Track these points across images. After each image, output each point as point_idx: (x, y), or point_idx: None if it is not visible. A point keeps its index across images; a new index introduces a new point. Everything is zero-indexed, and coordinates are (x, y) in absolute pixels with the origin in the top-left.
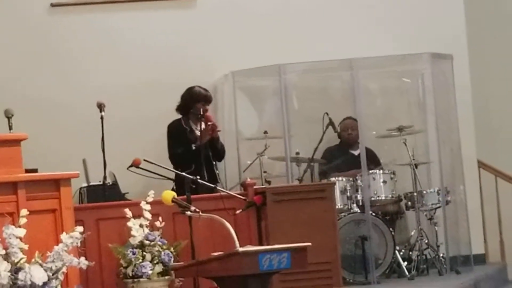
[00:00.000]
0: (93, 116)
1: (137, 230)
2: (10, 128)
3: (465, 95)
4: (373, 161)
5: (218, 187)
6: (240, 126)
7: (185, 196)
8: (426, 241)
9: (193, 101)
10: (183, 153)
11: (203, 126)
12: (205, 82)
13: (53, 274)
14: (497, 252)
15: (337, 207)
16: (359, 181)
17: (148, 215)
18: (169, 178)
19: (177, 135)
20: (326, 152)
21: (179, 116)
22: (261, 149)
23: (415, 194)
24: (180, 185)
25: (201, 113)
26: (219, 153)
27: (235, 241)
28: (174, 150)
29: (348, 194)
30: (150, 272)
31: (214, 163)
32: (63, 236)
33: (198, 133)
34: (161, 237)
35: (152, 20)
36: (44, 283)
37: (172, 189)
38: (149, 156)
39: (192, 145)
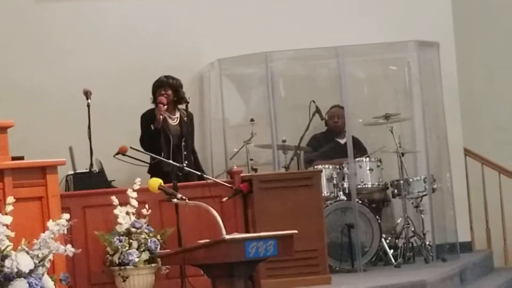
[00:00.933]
0: (79, 103)
1: (124, 217)
2: None
3: (451, 83)
4: (359, 149)
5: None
6: (226, 113)
7: (171, 184)
8: (413, 229)
9: (154, 90)
10: (144, 138)
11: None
12: (191, 70)
13: (39, 262)
14: (484, 239)
15: (323, 195)
16: (345, 169)
17: (134, 202)
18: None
19: (146, 123)
20: (312, 139)
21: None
22: (247, 136)
23: (402, 182)
24: (155, 172)
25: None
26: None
27: (222, 229)
28: (141, 137)
29: (335, 182)
30: (136, 259)
31: (184, 153)
32: (50, 224)
33: (171, 122)
34: (147, 225)
35: (138, 7)
36: (31, 271)
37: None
38: (135, 144)
39: (151, 125)
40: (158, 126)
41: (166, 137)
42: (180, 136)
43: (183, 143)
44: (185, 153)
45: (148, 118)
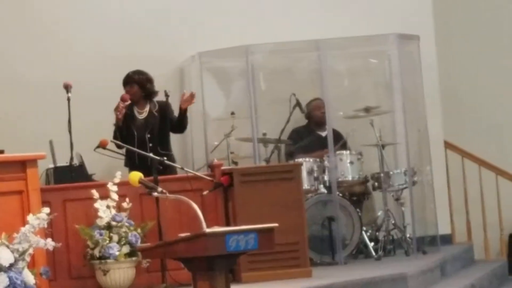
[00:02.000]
0: (59, 97)
1: (104, 211)
2: None
3: (431, 76)
4: (339, 141)
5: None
6: (207, 107)
7: (152, 177)
8: (393, 222)
9: (123, 86)
10: (117, 132)
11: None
12: (172, 63)
13: (19, 256)
14: (464, 232)
15: (304, 188)
16: (326, 162)
17: (115, 196)
18: (135, 160)
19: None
20: (293, 133)
21: None
22: (228, 130)
23: (382, 174)
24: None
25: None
26: (182, 125)
27: (202, 222)
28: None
29: (315, 175)
30: (117, 253)
31: (150, 145)
32: (30, 218)
33: (138, 116)
34: (128, 218)
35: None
36: (11, 265)
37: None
38: (116, 137)
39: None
40: (118, 123)
41: (130, 133)
42: (144, 130)
43: (147, 136)
44: (150, 145)
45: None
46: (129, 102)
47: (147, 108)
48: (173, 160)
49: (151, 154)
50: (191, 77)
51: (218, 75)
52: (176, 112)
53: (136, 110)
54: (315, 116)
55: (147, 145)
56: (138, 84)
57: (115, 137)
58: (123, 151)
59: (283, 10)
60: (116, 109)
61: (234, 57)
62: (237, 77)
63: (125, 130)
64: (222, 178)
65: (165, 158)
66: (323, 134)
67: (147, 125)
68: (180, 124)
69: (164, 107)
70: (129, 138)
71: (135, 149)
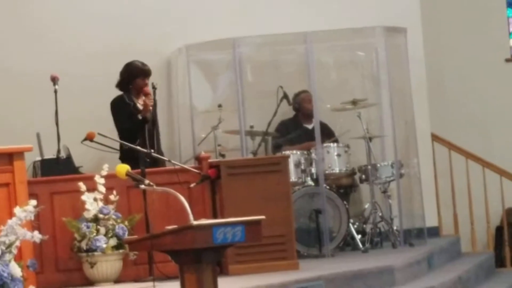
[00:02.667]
0: (47, 89)
1: (91, 203)
2: None
3: (419, 69)
4: (327, 134)
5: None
6: (194, 99)
7: (139, 170)
8: (380, 214)
9: (133, 77)
10: (131, 127)
11: (143, 100)
12: (159, 56)
13: (6, 248)
14: (451, 225)
15: (291, 180)
16: (313, 155)
17: (102, 188)
18: (119, 157)
19: (122, 111)
20: (280, 125)
21: (120, 93)
22: (215, 122)
23: (369, 167)
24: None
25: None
26: None
27: (189, 215)
28: (123, 125)
29: (302, 167)
30: (104, 245)
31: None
32: (17, 210)
33: (141, 107)
34: (115, 211)
35: None
36: None
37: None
38: (103, 130)
39: (138, 115)
40: (145, 115)
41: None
42: (151, 123)
43: (155, 130)
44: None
45: (123, 106)
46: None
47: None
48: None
49: (138, 147)
50: (178, 70)
51: (205, 67)
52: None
53: (137, 102)
54: (304, 108)
55: (154, 138)
56: (149, 77)
57: (132, 131)
58: (112, 144)
59: (270, 2)
60: (148, 102)
61: (221, 50)
62: (224, 69)
63: (145, 124)
64: (210, 171)
65: (152, 150)
66: (310, 126)
67: (153, 119)
68: None
69: (156, 104)
70: (143, 127)
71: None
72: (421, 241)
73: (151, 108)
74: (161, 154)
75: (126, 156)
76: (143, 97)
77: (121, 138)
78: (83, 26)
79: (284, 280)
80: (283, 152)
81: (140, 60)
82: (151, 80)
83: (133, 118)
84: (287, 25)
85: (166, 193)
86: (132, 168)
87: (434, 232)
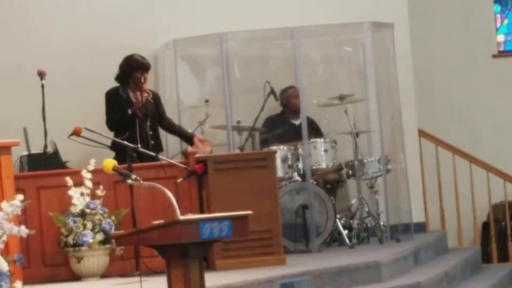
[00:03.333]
0: (33, 83)
1: (78, 198)
2: None
3: (406, 64)
4: (314, 130)
5: (159, 156)
6: (181, 94)
7: (126, 165)
8: (367, 210)
9: (132, 70)
10: (119, 119)
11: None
12: (146, 50)
13: None
14: (437, 220)
15: (278, 175)
16: (300, 150)
17: (89, 183)
18: (109, 147)
19: (114, 102)
20: (267, 121)
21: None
22: (202, 117)
23: (356, 162)
24: (120, 153)
25: (142, 81)
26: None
27: (176, 210)
28: (110, 116)
29: (289, 162)
30: (91, 240)
31: (150, 133)
32: (4, 205)
33: (135, 100)
34: (102, 206)
35: None
36: None
37: (114, 158)
38: (90, 124)
39: (128, 110)
40: (134, 111)
41: (132, 115)
42: (145, 117)
43: (148, 123)
44: (151, 133)
45: (115, 97)
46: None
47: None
48: (162, 149)
49: (125, 142)
50: (166, 65)
51: (193, 62)
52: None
53: (132, 96)
54: (291, 104)
55: (148, 132)
56: (148, 71)
57: (117, 124)
58: (99, 138)
59: None
60: (140, 98)
61: (208, 45)
62: (211, 64)
63: (135, 119)
64: (196, 166)
65: (139, 146)
66: (297, 122)
67: (147, 112)
68: (175, 134)
69: (158, 97)
70: (131, 122)
71: (111, 137)
72: (408, 236)
73: (141, 104)
74: (160, 149)
75: (115, 147)
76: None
77: (109, 128)
78: (70, 21)
79: (270, 275)
80: (270, 148)
81: (140, 54)
82: None
83: (122, 111)
84: (274, 20)
85: (153, 188)
86: (122, 161)
87: (420, 227)
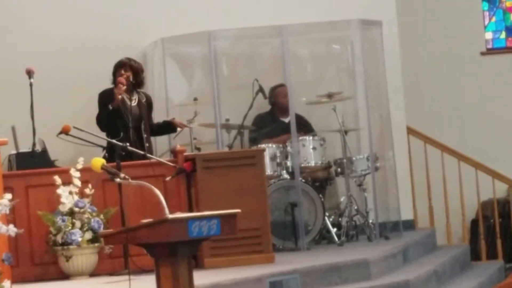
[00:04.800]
0: (22, 82)
1: (67, 197)
2: None
3: (394, 62)
4: (304, 126)
5: (148, 154)
6: (170, 92)
7: (115, 163)
8: (356, 207)
9: (115, 70)
10: (102, 115)
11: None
12: (135, 49)
13: None
14: (426, 218)
15: (266, 173)
16: (289, 148)
17: (77, 182)
18: (99, 145)
19: (104, 102)
20: (256, 118)
21: None
22: (191, 116)
23: (345, 160)
24: (112, 152)
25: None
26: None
27: (165, 208)
28: (97, 115)
29: (278, 160)
30: (79, 239)
31: (145, 135)
32: None
33: (129, 102)
34: (90, 204)
35: None
36: None
37: (104, 157)
38: (79, 122)
39: (109, 105)
40: (115, 106)
41: (125, 118)
42: (139, 118)
43: (142, 126)
44: (145, 135)
45: (106, 97)
46: (125, 86)
47: (136, 97)
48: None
49: (114, 141)
50: (154, 63)
51: (181, 60)
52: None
53: (125, 97)
54: (279, 103)
55: (142, 134)
56: (132, 70)
57: (100, 119)
58: (87, 137)
59: None
60: (117, 90)
61: (197, 43)
62: (200, 62)
63: (116, 115)
64: (185, 164)
65: (127, 144)
66: (286, 120)
67: (141, 114)
68: (159, 132)
69: (151, 100)
70: (122, 123)
71: (100, 136)
72: (397, 234)
73: (118, 97)
74: (150, 151)
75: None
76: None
77: (99, 128)
78: (58, 19)
79: (259, 273)
80: (259, 146)
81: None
82: None
83: (106, 108)
84: (263, 18)
85: (141, 187)
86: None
87: (409, 225)
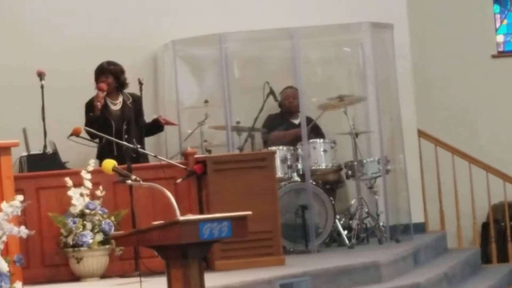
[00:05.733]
0: (33, 84)
1: (78, 199)
2: None
3: (405, 64)
4: (316, 133)
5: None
6: (180, 95)
7: (125, 165)
8: (366, 210)
9: (96, 77)
10: (86, 124)
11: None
12: (145, 51)
13: None
14: (437, 221)
15: (277, 176)
16: (299, 150)
17: (88, 184)
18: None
19: (89, 111)
20: (267, 119)
21: None
22: (201, 118)
23: (355, 163)
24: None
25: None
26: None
27: (176, 210)
28: (85, 123)
29: (289, 163)
30: (90, 241)
31: (125, 136)
32: (3, 205)
33: (112, 107)
34: (101, 206)
35: None
36: None
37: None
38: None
39: (90, 113)
40: (97, 113)
41: (107, 123)
42: (121, 120)
43: (124, 127)
44: (126, 136)
45: (89, 106)
46: (105, 92)
47: (120, 99)
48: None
49: (125, 142)
50: (165, 65)
51: (192, 63)
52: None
53: (109, 101)
54: (283, 105)
55: (123, 136)
56: (113, 75)
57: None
58: (97, 140)
59: None
60: (96, 99)
61: (207, 45)
62: (210, 65)
63: (101, 120)
64: (196, 166)
65: (139, 146)
66: (296, 122)
67: (123, 116)
68: (148, 132)
69: (138, 100)
70: (105, 128)
71: (112, 138)
72: (407, 237)
73: (97, 104)
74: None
75: (103, 154)
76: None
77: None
78: (69, 22)
79: (270, 275)
80: (270, 148)
81: (110, 60)
82: (138, 75)
83: (89, 116)
84: (274, 21)
85: (152, 189)
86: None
87: (420, 228)
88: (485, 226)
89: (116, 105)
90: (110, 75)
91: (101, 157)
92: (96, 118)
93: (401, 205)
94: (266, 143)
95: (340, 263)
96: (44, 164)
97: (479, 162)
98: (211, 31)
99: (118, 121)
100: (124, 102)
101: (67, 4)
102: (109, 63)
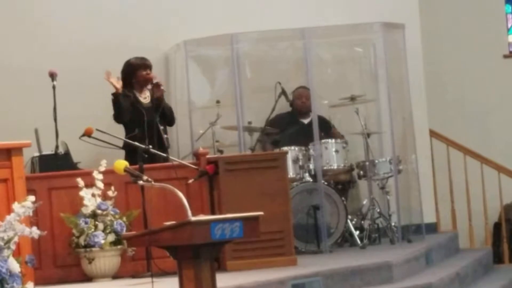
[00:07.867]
0: (45, 84)
1: (90, 199)
2: None
3: (417, 64)
4: (325, 127)
5: (168, 154)
6: (192, 95)
7: (137, 166)
8: (378, 210)
9: (134, 70)
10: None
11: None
12: (157, 51)
13: (5, 244)
14: (449, 221)
15: (289, 176)
16: (311, 151)
17: (100, 184)
18: (121, 148)
19: (116, 100)
20: (276, 118)
21: None
22: (213, 118)
23: (367, 163)
24: (130, 154)
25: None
26: (167, 116)
27: (188, 210)
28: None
29: (300, 163)
30: (102, 241)
31: (162, 127)
32: (15, 206)
33: (142, 100)
34: (113, 207)
35: None
36: None
37: (125, 158)
38: (101, 125)
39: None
40: (158, 96)
41: (140, 112)
42: (153, 112)
43: (157, 119)
44: (162, 127)
45: (117, 96)
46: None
47: (147, 93)
48: (169, 144)
49: (136, 143)
50: (176, 66)
51: (203, 63)
52: None
53: (138, 95)
54: (295, 105)
55: (159, 127)
56: (150, 68)
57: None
58: (110, 139)
59: None
60: (154, 78)
61: (219, 46)
62: (222, 65)
63: (133, 113)
64: (207, 167)
65: (150, 146)
66: (306, 121)
67: (154, 108)
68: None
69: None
70: (137, 121)
71: (122, 138)
72: (419, 237)
73: (159, 92)
74: (164, 147)
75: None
76: (149, 87)
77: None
78: (81, 22)
79: (282, 276)
80: (281, 148)
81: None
82: None
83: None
84: (285, 21)
85: (164, 189)
86: (133, 162)
87: (432, 228)
88: (497, 226)
89: (145, 99)
90: (149, 69)
91: (128, 148)
92: (126, 95)
93: (413, 205)
94: (275, 145)
95: (352, 263)
96: (56, 165)
97: (491, 162)
98: (223, 31)
99: (150, 114)
100: (152, 96)
101: (80, 4)
102: (144, 58)
